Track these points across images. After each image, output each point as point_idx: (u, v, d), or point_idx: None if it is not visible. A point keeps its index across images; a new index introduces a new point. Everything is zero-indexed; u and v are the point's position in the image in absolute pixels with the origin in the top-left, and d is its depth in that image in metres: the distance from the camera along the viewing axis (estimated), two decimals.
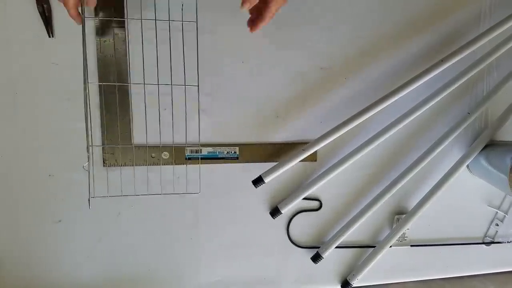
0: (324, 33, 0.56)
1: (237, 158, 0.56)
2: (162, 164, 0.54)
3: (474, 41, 0.56)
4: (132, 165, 0.54)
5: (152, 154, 0.54)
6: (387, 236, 0.59)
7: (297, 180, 0.58)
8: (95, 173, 0.53)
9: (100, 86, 0.52)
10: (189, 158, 0.55)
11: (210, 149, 0.55)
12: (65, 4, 0.42)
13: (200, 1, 0.50)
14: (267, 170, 0.54)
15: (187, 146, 0.54)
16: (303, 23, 0.55)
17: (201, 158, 0.55)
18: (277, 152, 0.57)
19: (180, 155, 0.55)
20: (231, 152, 0.56)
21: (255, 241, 0.59)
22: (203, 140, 0.55)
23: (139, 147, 0.54)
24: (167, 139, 0.54)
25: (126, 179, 0.54)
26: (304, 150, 0.54)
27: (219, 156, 0.56)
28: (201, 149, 0.55)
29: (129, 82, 0.52)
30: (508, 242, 0.64)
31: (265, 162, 0.57)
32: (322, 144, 0.54)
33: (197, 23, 0.51)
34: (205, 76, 0.53)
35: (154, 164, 0.54)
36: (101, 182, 0.53)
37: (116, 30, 0.51)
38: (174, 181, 0.55)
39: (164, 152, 0.54)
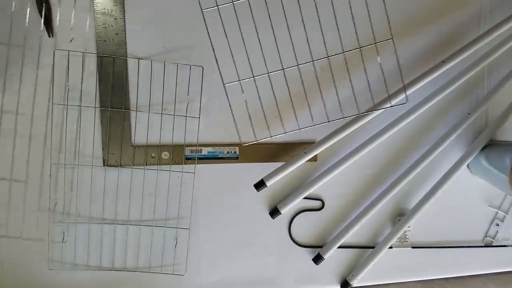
0: (324, 33, 0.56)
1: (237, 158, 0.56)
2: (162, 164, 0.54)
3: (475, 42, 0.56)
4: (132, 165, 0.54)
5: (152, 154, 0.54)
6: (387, 236, 0.59)
7: (298, 179, 0.58)
8: (95, 173, 0.53)
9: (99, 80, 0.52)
10: (189, 158, 0.55)
11: (210, 149, 0.55)
12: None
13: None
14: (269, 174, 0.54)
15: (187, 146, 0.54)
16: (303, 23, 0.55)
17: (202, 158, 0.55)
18: (277, 152, 0.57)
19: (180, 155, 0.55)
20: (231, 152, 0.56)
21: (256, 241, 0.59)
22: (203, 140, 0.55)
23: (139, 147, 0.54)
24: (167, 139, 0.54)
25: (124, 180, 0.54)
26: (306, 153, 0.54)
27: (219, 156, 0.56)
28: (201, 149, 0.55)
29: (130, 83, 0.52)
30: None
31: (265, 162, 0.57)
32: (324, 147, 0.54)
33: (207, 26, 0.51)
34: (204, 76, 0.53)
35: (154, 164, 0.54)
36: (100, 182, 0.54)
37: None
38: (175, 180, 0.55)
39: (164, 152, 0.54)
